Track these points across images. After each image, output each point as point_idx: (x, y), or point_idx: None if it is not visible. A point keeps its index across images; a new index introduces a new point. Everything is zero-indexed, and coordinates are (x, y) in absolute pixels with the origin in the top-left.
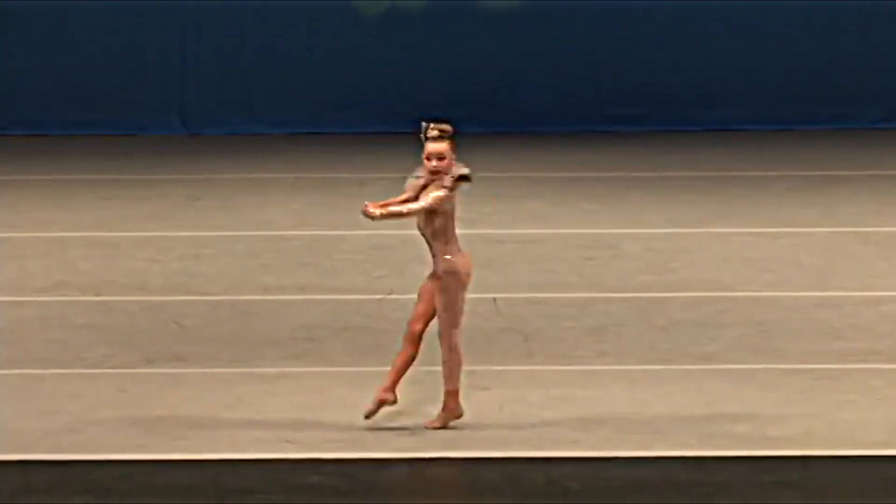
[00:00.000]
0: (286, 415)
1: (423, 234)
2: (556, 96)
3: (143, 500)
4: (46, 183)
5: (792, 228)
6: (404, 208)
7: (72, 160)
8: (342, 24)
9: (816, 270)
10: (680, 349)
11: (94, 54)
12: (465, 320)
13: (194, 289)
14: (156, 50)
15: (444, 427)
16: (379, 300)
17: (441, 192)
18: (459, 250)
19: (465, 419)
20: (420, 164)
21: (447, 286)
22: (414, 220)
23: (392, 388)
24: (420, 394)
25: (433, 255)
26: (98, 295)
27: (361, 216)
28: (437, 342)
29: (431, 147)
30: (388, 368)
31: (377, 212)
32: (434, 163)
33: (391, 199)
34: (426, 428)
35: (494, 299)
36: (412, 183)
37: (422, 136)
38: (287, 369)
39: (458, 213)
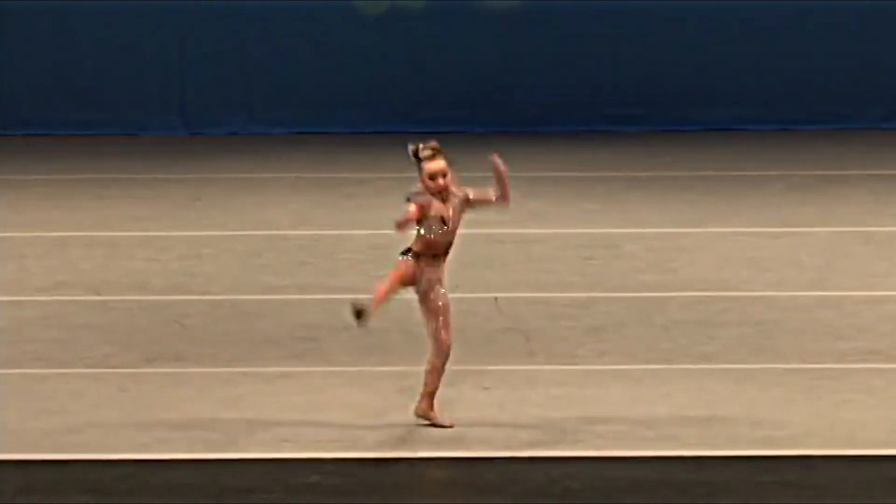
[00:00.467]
0: (286, 414)
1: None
2: (556, 96)
3: (143, 500)
4: (47, 182)
5: (792, 228)
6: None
7: (72, 160)
8: (342, 24)
9: (817, 270)
10: (680, 349)
11: (95, 54)
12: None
13: (195, 288)
14: (156, 49)
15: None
16: None
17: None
18: None
19: (466, 418)
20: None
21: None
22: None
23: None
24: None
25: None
26: (98, 294)
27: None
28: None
29: (433, 166)
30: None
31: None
32: (441, 180)
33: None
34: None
35: (495, 299)
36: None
37: (412, 158)
38: (287, 369)
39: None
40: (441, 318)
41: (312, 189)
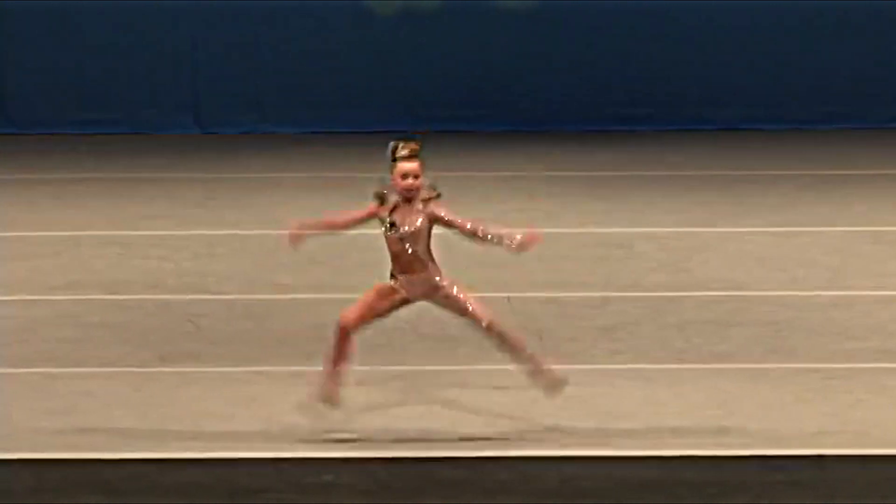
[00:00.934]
0: (299, 414)
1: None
2: (569, 95)
3: (155, 500)
4: (59, 182)
5: (805, 228)
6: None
7: (85, 159)
8: (355, 24)
9: (830, 269)
10: (693, 348)
11: (108, 53)
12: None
13: (208, 288)
14: (169, 49)
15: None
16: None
17: (452, 217)
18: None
19: (478, 419)
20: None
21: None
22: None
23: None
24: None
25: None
26: (112, 294)
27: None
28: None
29: (406, 166)
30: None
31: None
32: (410, 181)
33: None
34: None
35: (508, 298)
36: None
37: (390, 155)
38: (300, 368)
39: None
40: (468, 303)
41: (325, 188)
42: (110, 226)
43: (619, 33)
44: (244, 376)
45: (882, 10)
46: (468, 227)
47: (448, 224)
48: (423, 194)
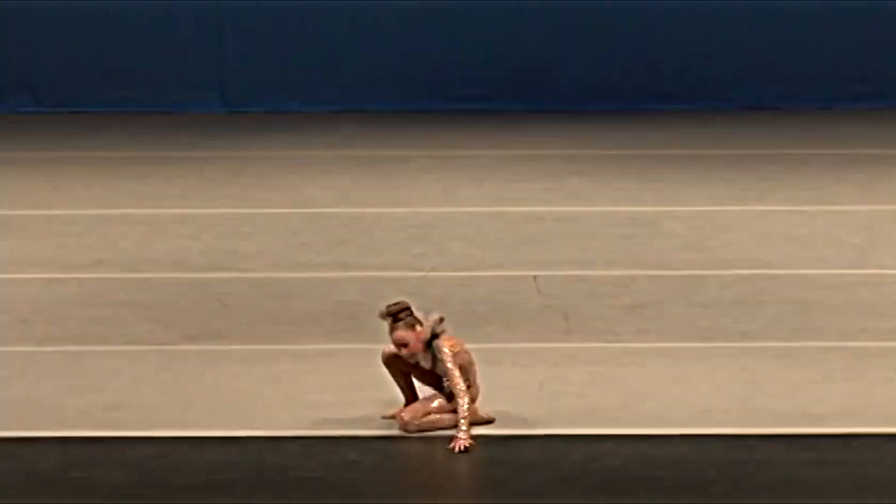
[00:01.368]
0: (326, 392)
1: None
2: (595, 75)
3: (181, 478)
4: (86, 160)
5: (832, 206)
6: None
7: (111, 138)
8: (382, 1)
9: (856, 248)
10: (720, 327)
11: (134, 32)
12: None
13: (235, 266)
14: (195, 27)
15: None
16: (420, 277)
17: (450, 366)
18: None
19: (505, 397)
20: None
21: None
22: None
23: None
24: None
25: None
26: (138, 272)
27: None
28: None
29: (394, 337)
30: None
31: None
32: (404, 350)
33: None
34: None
35: (534, 277)
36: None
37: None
38: (327, 346)
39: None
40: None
41: (352, 167)
42: (137, 204)
43: (646, 13)
44: (270, 355)
45: None
46: (455, 386)
47: (442, 370)
48: (428, 331)
